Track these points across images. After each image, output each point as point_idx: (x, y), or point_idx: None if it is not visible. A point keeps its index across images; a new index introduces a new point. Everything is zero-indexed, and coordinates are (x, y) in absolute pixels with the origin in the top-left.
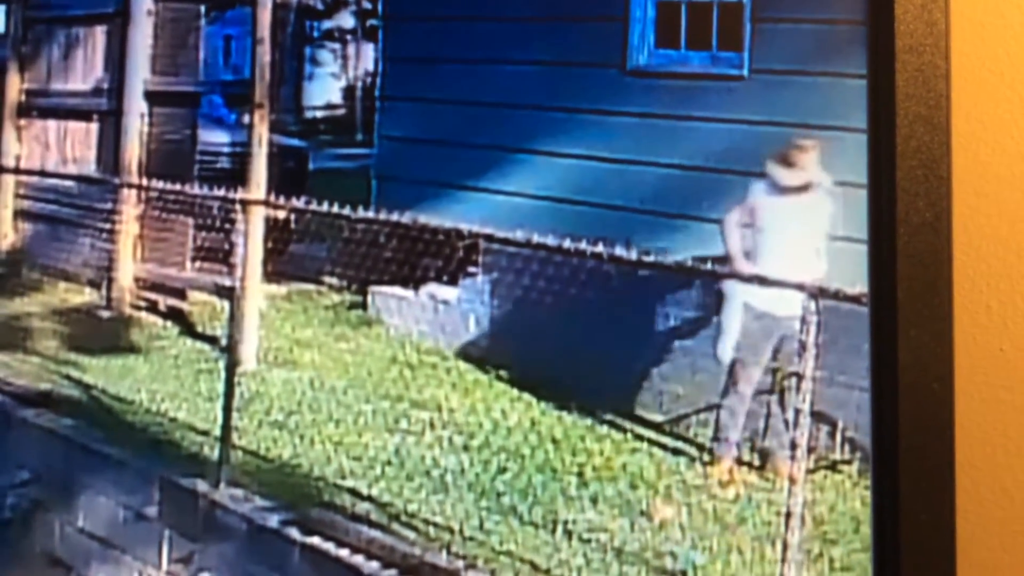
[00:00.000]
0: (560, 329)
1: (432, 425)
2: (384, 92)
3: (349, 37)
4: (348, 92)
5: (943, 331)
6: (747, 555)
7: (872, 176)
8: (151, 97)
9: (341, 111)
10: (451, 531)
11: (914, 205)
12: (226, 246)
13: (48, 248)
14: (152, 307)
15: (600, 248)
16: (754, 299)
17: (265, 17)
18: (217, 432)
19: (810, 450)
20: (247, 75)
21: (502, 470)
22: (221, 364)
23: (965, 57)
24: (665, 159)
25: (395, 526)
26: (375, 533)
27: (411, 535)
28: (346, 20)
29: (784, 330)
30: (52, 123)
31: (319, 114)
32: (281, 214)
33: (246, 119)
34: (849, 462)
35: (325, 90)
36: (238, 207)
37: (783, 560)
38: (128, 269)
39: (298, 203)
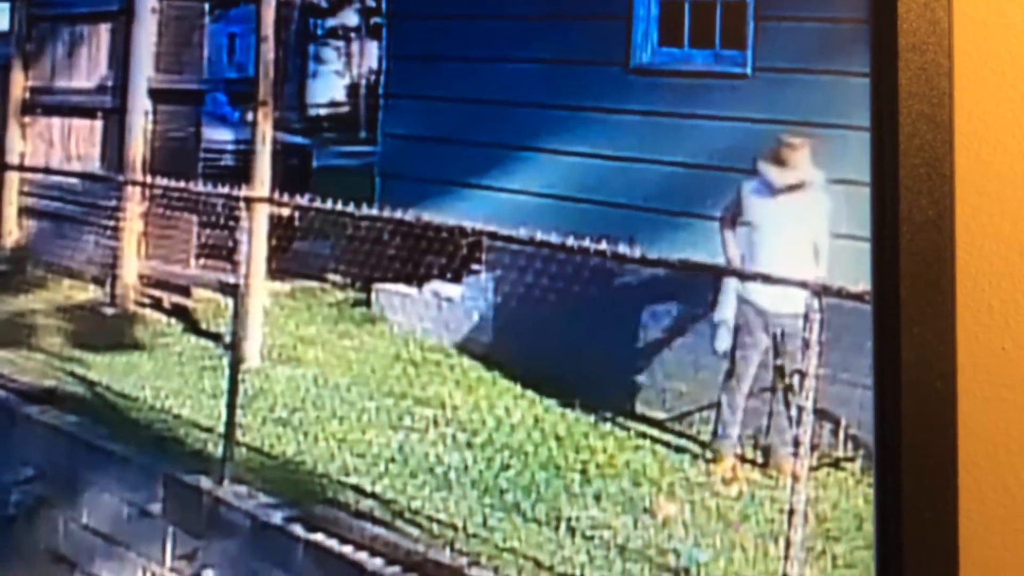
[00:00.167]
0: (563, 327)
1: (436, 422)
2: (388, 90)
3: (353, 35)
4: (352, 90)
5: (946, 329)
6: (750, 552)
7: (875, 174)
8: (155, 95)
9: (345, 109)
10: (454, 528)
11: (917, 203)
12: (230, 243)
13: (52, 245)
14: (156, 304)
15: (603, 246)
16: (748, 294)
17: (269, 15)
18: (221, 429)
19: (813, 447)
20: (251, 73)
21: (505, 467)
22: (225, 361)
23: (968, 55)
24: (668, 157)
25: (399, 523)
26: (379, 530)
27: (415, 532)
28: (350, 18)
29: (780, 326)
30: (56, 120)
31: (323, 112)
32: (285, 211)
33: (250, 117)
34: (852, 459)
35: (329, 88)
36: (242, 204)
37: (786, 557)
38: (132, 266)
39: (302, 200)
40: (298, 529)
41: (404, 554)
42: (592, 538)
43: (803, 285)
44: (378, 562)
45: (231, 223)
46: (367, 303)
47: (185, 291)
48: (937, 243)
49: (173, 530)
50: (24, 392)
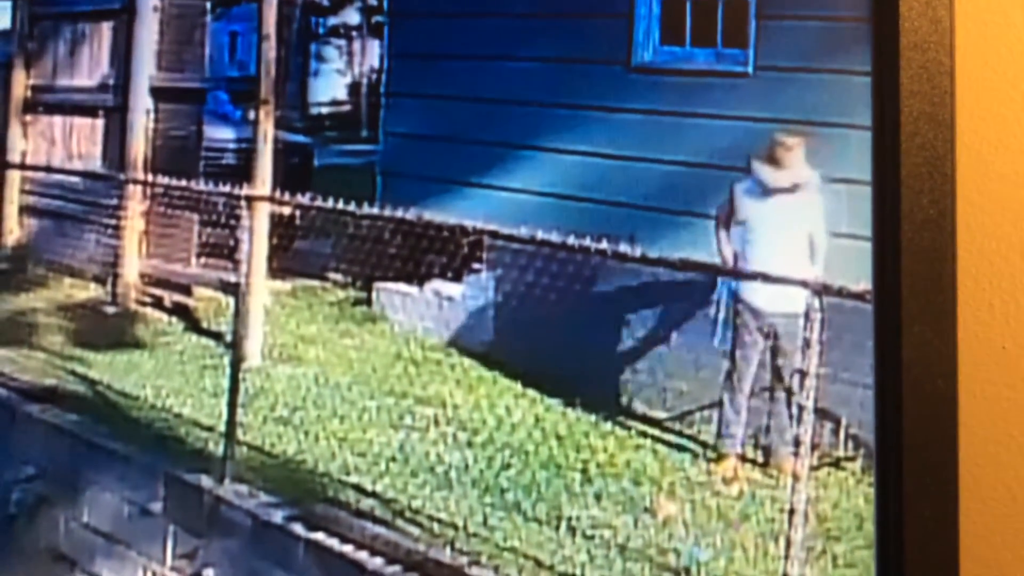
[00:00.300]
0: (564, 325)
1: (436, 421)
2: (389, 88)
3: (355, 33)
4: (353, 88)
5: (947, 328)
6: (750, 552)
7: (876, 173)
8: (157, 93)
9: (346, 107)
10: (455, 527)
11: (918, 202)
12: (231, 242)
13: (54, 244)
14: (157, 303)
15: (604, 245)
16: (743, 295)
17: (271, 13)
18: (222, 428)
19: (814, 447)
20: (252, 71)
21: (506, 466)
22: (226, 360)
23: (969, 54)
24: (669, 156)
25: (399, 522)
26: (379, 529)
27: (415, 531)
28: (352, 16)
29: (775, 326)
30: (58, 119)
31: (324, 110)
32: (286, 210)
33: (251, 115)
34: (853, 459)
35: (330, 86)
36: (243, 203)
37: (786, 557)
38: (133, 265)
39: (303, 199)
40: (299, 528)
41: (405, 553)
42: (593, 537)
43: (803, 284)
44: (378, 561)
45: (232, 222)
46: (368, 302)
47: (186, 290)
48: (938, 242)
49: (174, 529)
50: (25, 391)
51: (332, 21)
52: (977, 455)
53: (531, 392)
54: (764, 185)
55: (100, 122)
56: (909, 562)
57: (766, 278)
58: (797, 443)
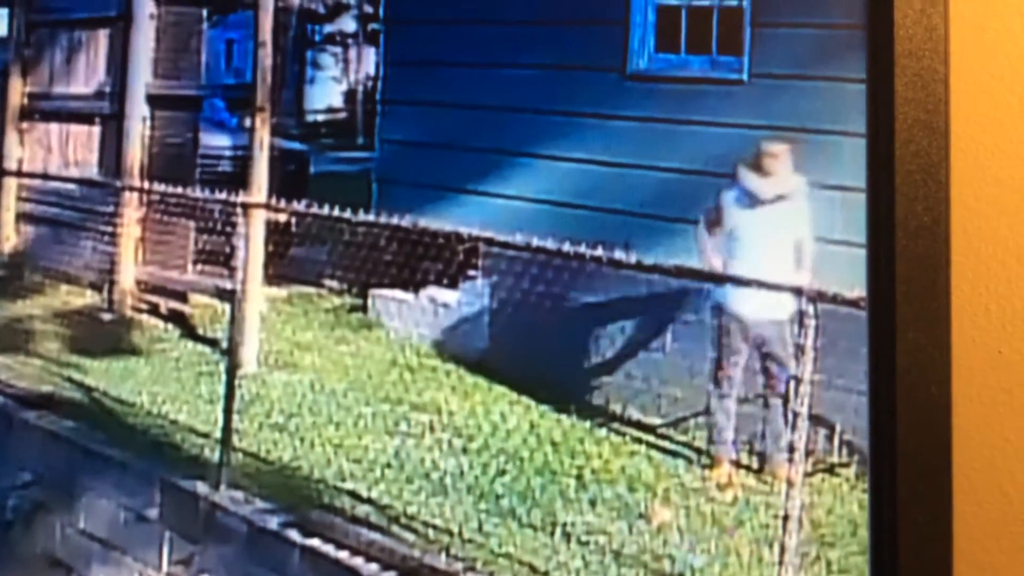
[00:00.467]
0: (559, 332)
1: (431, 427)
2: (385, 96)
3: (350, 41)
4: (349, 96)
5: (941, 334)
6: (745, 558)
7: (871, 180)
8: (153, 101)
9: (342, 115)
10: (450, 533)
11: (913, 209)
12: (227, 249)
13: (50, 251)
14: (153, 310)
15: (599, 252)
16: (726, 303)
17: (267, 21)
18: (218, 434)
19: (808, 453)
20: (248, 79)
21: (501, 473)
22: (222, 367)
23: (964, 61)
24: (664, 163)
25: (394, 528)
26: (375, 535)
27: (410, 537)
28: (347, 24)
29: (761, 334)
30: (54, 126)
31: (320, 118)
32: (282, 217)
33: (247, 123)
34: (847, 465)
35: (326, 94)
36: (239, 210)
37: (781, 563)
38: (130, 272)
39: (299, 206)
40: (294, 534)
41: (400, 559)
42: (587, 543)
43: (798, 291)
44: (374, 567)
45: (228, 229)
46: (363, 309)
47: (182, 297)
48: (932, 248)
49: (169, 535)
50: (22, 397)
51: (328, 28)
52: (972, 459)
53: (526, 398)
54: (751, 194)
55: (96, 129)
56: (903, 568)
57: (761, 285)
58: (791, 449)
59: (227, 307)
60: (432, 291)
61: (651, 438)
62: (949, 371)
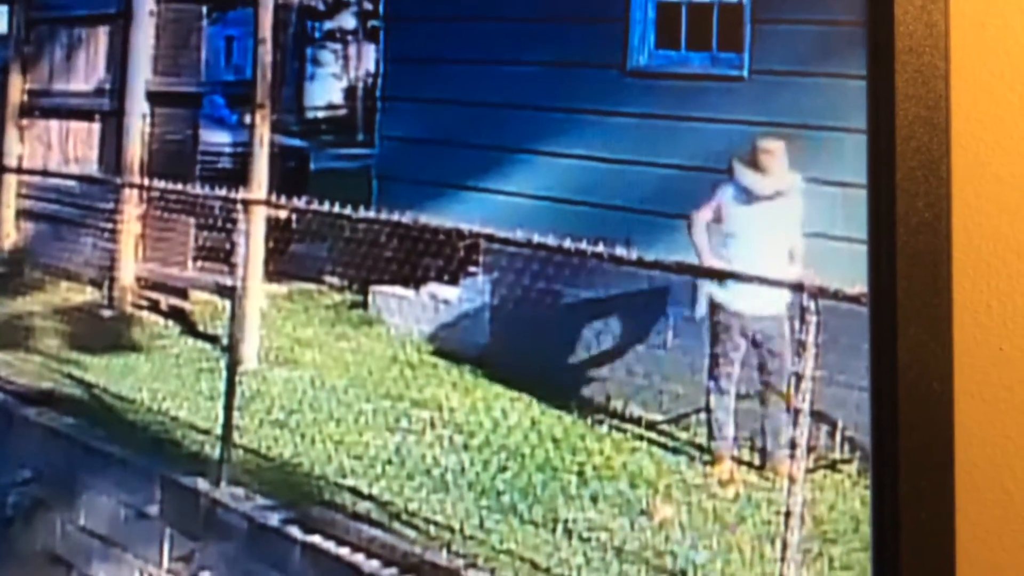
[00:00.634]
0: (560, 328)
1: (432, 424)
2: (385, 92)
3: (350, 38)
4: (349, 92)
5: (943, 331)
6: (747, 554)
7: (872, 176)
8: (153, 97)
9: (342, 111)
10: (451, 530)
11: (914, 205)
12: (227, 246)
13: (50, 247)
14: (154, 306)
15: (600, 248)
16: (721, 298)
17: (267, 18)
18: (218, 431)
19: (810, 449)
20: (248, 75)
21: (502, 469)
22: (222, 363)
23: (964, 58)
24: (665, 159)
25: (395, 525)
26: (375, 532)
27: (411, 534)
28: (347, 21)
29: (758, 329)
30: (54, 123)
31: (320, 114)
32: (282, 214)
33: (247, 119)
34: (849, 461)
35: (326, 90)
36: (240, 207)
37: (782, 559)
38: (130, 268)
39: (299, 203)
40: (295, 531)
41: (401, 556)
42: (589, 540)
43: (799, 287)
44: (375, 564)
45: (228, 225)
46: (364, 305)
47: (182, 293)
48: (934, 245)
49: (170, 532)
50: (22, 394)
51: (328, 25)
52: (974, 456)
53: (527, 395)
54: (748, 191)
55: (96, 126)
56: (905, 564)
57: (762, 281)
58: (793, 446)
59: (227, 304)
60: (433, 287)
61: (652, 434)
62: (951, 367)
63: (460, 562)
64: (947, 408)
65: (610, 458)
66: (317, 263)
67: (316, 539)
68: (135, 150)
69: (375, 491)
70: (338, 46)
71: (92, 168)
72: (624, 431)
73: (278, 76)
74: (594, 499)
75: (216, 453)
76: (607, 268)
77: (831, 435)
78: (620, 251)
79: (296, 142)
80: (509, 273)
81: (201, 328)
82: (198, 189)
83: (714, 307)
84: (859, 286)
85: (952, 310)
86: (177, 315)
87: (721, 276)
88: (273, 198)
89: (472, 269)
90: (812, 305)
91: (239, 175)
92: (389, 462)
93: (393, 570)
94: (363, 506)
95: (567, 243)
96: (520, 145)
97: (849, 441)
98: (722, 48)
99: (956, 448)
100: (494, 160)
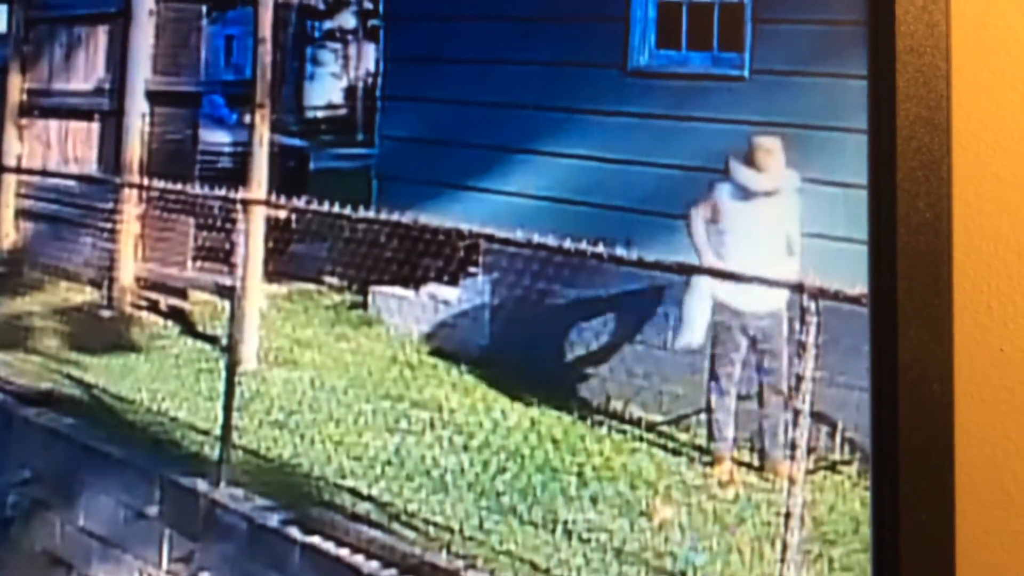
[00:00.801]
0: (560, 329)
1: (432, 425)
2: (385, 92)
3: (350, 37)
4: (349, 92)
5: (943, 331)
6: (746, 555)
7: (872, 177)
8: (152, 97)
9: (342, 111)
10: (451, 531)
11: (914, 205)
12: (227, 246)
13: (49, 247)
14: (153, 306)
15: (600, 248)
16: (719, 294)
17: (267, 17)
18: (217, 431)
19: (810, 450)
20: (248, 75)
21: (502, 470)
22: (222, 363)
23: (966, 58)
24: (666, 159)
25: (395, 526)
26: (375, 533)
27: (411, 535)
28: (347, 20)
29: (758, 328)
30: (54, 123)
31: (320, 114)
32: (282, 214)
33: (247, 119)
34: (849, 463)
35: (326, 90)
36: (239, 207)
37: (782, 560)
38: (129, 268)
39: (299, 203)
40: (294, 532)
41: (400, 557)
42: (589, 541)
43: (799, 288)
44: (374, 565)
45: (228, 225)
46: (364, 306)
47: (182, 293)
48: (934, 245)
49: (169, 532)
50: (21, 394)
51: (328, 25)
52: (974, 457)
53: (527, 395)
54: (744, 188)
55: (96, 126)
56: (905, 566)
57: (762, 281)
58: (793, 447)
59: (227, 304)
60: (433, 288)
61: (652, 435)
62: (951, 368)
63: (460, 563)
64: (947, 409)
65: (610, 459)
66: (317, 263)
67: (315, 540)
68: (134, 150)
69: (375, 492)
70: (338, 45)
71: (91, 168)
72: (624, 432)
73: (278, 76)
74: (594, 500)
75: (215, 454)
76: (607, 268)
77: (831, 436)
78: (620, 251)
79: (296, 142)
80: (509, 273)
81: (200, 328)
82: (197, 189)
83: (715, 305)
84: (859, 287)
85: (953, 311)
86: (176, 315)
87: (722, 276)
88: (273, 198)
89: (472, 269)
90: (812, 306)
91: (239, 175)
92: (389, 463)
93: (392, 571)
94: (363, 507)
95: (567, 243)
96: (520, 145)
97: (849, 442)
98: (723, 48)
99: (956, 449)
100: (494, 160)
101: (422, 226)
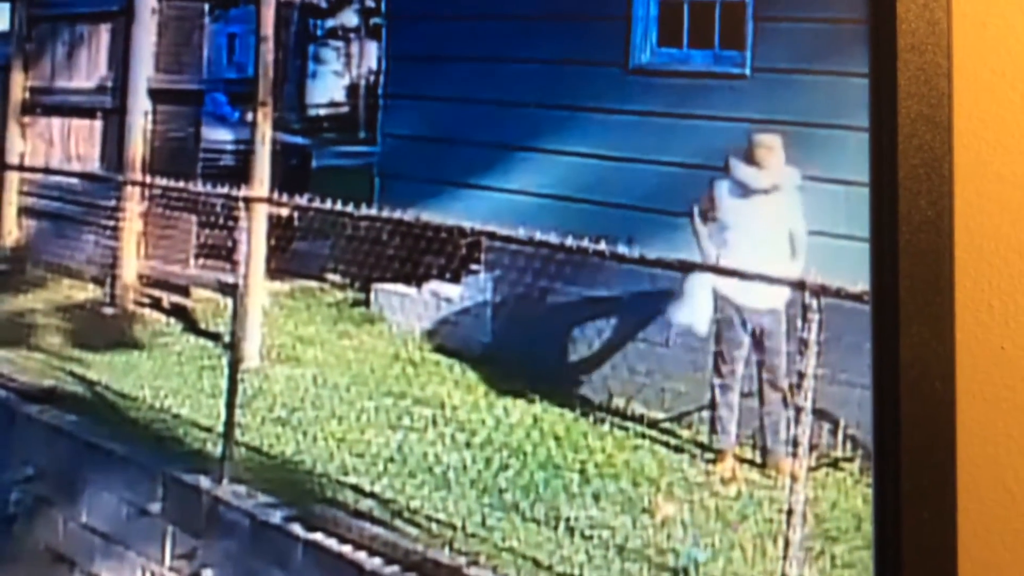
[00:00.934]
0: (562, 326)
1: (434, 422)
2: (387, 90)
3: (352, 35)
4: (351, 90)
5: (945, 329)
6: (749, 552)
7: (874, 174)
8: (155, 95)
9: (344, 109)
10: (453, 528)
11: (916, 203)
12: (229, 243)
13: (52, 245)
14: (156, 304)
15: (602, 246)
16: (723, 290)
17: (269, 15)
18: (220, 429)
19: (812, 448)
20: (251, 73)
21: (504, 467)
22: (224, 361)
23: (967, 56)
24: (667, 157)
25: (397, 523)
26: (378, 530)
27: (413, 531)
28: (350, 18)
29: (759, 323)
30: (56, 120)
31: (322, 112)
32: (284, 212)
33: (249, 117)
34: (851, 460)
35: (328, 88)
36: (241, 204)
37: (784, 557)
38: (132, 266)
39: (301, 201)
40: (297, 528)
41: (403, 553)
42: (591, 538)
43: (801, 285)
44: (377, 561)
45: (230, 223)
46: (366, 303)
47: (184, 291)
48: (936, 243)
49: (172, 529)
50: (24, 391)
51: (330, 23)
52: (976, 455)
53: (529, 393)
54: (743, 184)
55: (98, 124)
56: (907, 563)
57: (764, 279)
58: (795, 444)
59: (229, 301)
60: (435, 285)
61: (654, 432)
62: (953, 366)
63: (462, 560)
64: (949, 407)
65: (612, 456)
66: (319, 261)
67: (318, 537)
68: (137, 147)
69: (377, 489)
70: (340, 44)
71: (94, 165)
72: (626, 429)
73: (280, 74)
74: (596, 497)
75: (218, 451)
76: (609, 266)
77: (833, 433)
78: (622, 249)
79: (298, 140)
80: (511, 271)
81: (203, 326)
82: (200, 187)
83: (718, 301)
84: (861, 284)
85: (954, 309)
86: (179, 313)
87: (724, 273)
88: (275, 196)
89: (474, 267)
90: (814, 303)
91: (241, 172)
92: (391, 460)
93: (395, 568)
94: (365, 504)
95: (569, 241)
96: (522, 143)
97: (851, 439)
98: (724, 46)
99: (958, 447)
100: (496, 158)
101: (424, 224)
